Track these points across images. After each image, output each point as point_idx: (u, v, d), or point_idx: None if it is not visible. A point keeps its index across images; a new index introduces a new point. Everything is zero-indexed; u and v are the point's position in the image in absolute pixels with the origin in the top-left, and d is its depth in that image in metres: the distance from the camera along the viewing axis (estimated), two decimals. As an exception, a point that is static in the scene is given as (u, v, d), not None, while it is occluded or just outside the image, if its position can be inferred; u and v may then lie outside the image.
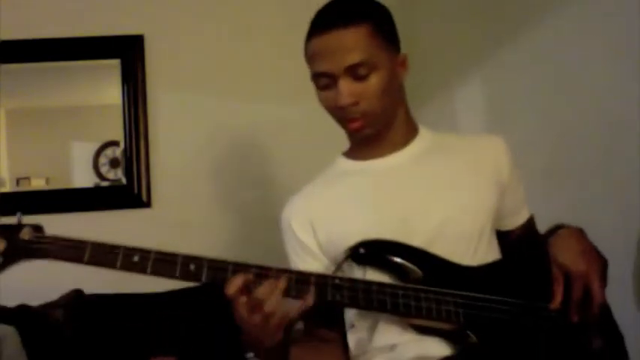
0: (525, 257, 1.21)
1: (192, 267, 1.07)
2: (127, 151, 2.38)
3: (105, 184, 2.40)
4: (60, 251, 1.03)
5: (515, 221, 1.29)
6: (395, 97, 1.20)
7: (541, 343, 1.10)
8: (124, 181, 2.39)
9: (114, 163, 2.40)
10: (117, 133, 2.39)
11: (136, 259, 1.08)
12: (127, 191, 2.39)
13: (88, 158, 2.39)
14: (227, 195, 2.46)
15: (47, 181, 2.36)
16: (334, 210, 1.20)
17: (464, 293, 1.08)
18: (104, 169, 2.40)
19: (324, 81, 1.16)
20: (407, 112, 1.25)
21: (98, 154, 2.39)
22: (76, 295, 2.12)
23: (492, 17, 2.10)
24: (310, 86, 1.23)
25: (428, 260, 1.12)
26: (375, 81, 1.13)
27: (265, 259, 2.70)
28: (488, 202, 1.20)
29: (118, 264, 1.07)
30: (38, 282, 2.19)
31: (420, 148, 1.23)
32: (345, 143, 1.29)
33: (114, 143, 2.40)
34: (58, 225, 2.62)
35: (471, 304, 1.08)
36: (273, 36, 2.47)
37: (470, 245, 1.15)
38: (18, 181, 2.34)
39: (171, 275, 1.08)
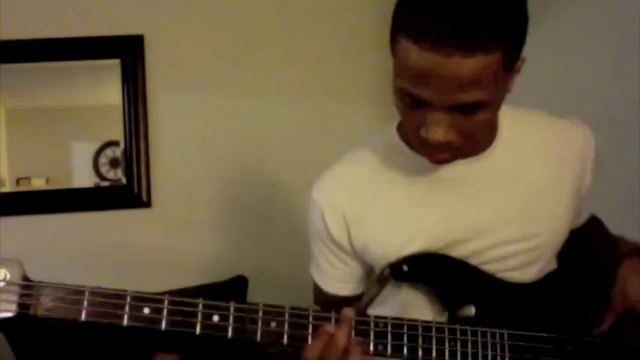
0: (578, 267, 1.10)
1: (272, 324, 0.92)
2: (127, 151, 2.38)
3: (105, 184, 2.40)
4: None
5: (575, 224, 1.14)
6: (496, 118, 0.98)
7: None
8: (124, 181, 2.39)
9: (114, 163, 2.40)
10: (117, 133, 2.38)
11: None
12: (127, 191, 2.38)
13: (88, 158, 2.38)
14: (227, 195, 2.46)
15: (47, 181, 2.36)
16: (378, 213, 1.04)
17: (512, 332, 1.00)
18: (104, 169, 2.39)
19: (415, 101, 0.88)
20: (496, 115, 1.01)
21: (98, 154, 2.39)
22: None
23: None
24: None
25: (481, 284, 1.01)
26: (483, 117, 0.88)
27: (265, 259, 2.71)
28: (567, 220, 1.06)
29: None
30: (38, 282, 2.19)
31: (498, 154, 1.03)
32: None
33: (114, 143, 2.40)
34: (58, 225, 2.62)
35: (517, 345, 1.00)
36: (273, 35, 2.47)
37: (535, 270, 1.05)
38: (18, 181, 2.34)
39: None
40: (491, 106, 0.88)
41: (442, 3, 0.80)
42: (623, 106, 1.58)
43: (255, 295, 2.28)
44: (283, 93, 2.47)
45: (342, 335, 0.92)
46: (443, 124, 0.87)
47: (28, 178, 2.35)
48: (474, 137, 0.92)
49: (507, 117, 1.05)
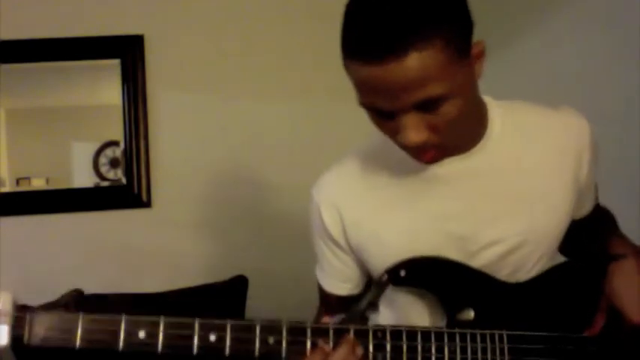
0: (577, 265, 1.09)
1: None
2: (127, 151, 2.38)
3: (105, 184, 2.40)
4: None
5: (576, 215, 1.12)
6: (473, 108, 0.96)
7: None
8: (124, 181, 2.39)
9: (114, 163, 2.40)
10: (117, 133, 2.39)
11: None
12: (127, 191, 2.39)
13: (88, 158, 2.38)
14: (227, 195, 2.46)
15: (47, 181, 2.36)
16: (372, 215, 1.05)
17: (512, 333, 0.99)
18: (104, 169, 2.39)
19: (378, 113, 0.92)
20: (479, 106, 1.01)
21: (98, 154, 2.39)
22: (76, 295, 2.12)
23: (492, 17, 2.10)
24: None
25: (479, 285, 1.01)
26: (450, 109, 0.87)
27: (265, 259, 2.70)
28: (566, 213, 1.05)
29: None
30: (38, 282, 2.19)
31: (490, 148, 1.02)
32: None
33: (114, 143, 2.40)
34: (58, 225, 2.62)
35: (517, 348, 1.00)
36: (273, 35, 2.47)
37: (530, 267, 1.04)
38: (18, 181, 2.34)
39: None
40: (455, 97, 0.87)
41: (366, 19, 0.86)
42: (622, 103, 1.58)
43: (255, 295, 2.28)
44: (283, 93, 2.47)
45: (336, 358, 0.91)
46: (413, 126, 0.88)
47: (28, 178, 2.35)
48: (450, 132, 0.91)
49: (498, 111, 1.04)
